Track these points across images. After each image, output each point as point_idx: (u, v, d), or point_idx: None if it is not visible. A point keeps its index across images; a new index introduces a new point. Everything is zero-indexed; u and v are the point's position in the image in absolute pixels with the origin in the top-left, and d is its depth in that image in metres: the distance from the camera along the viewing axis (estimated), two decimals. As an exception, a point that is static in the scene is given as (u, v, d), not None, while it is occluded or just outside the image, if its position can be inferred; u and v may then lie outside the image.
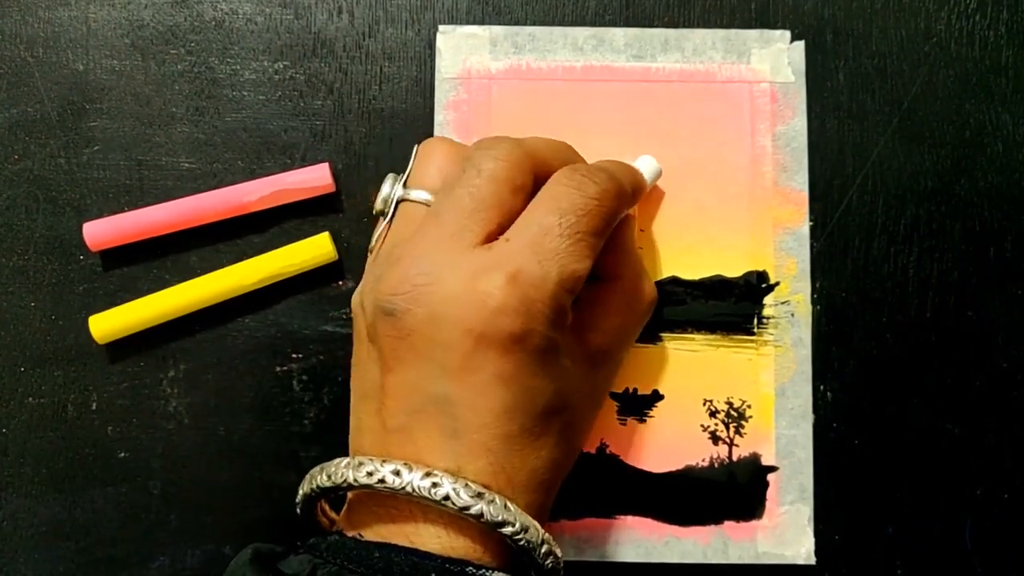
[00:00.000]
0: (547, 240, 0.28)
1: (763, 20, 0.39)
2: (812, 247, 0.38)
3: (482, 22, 0.39)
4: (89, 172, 0.38)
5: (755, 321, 0.37)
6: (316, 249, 0.37)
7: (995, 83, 0.38)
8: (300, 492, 0.30)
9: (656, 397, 0.37)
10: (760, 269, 0.38)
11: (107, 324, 0.37)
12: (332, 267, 0.38)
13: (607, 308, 0.33)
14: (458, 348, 0.27)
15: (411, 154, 0.33)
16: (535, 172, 0.30)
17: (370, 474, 0.27)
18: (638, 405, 0.37)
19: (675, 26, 0.39)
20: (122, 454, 0.37)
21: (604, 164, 0.32)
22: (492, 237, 0.29)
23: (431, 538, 0.27)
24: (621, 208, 0.31)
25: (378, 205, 0.32)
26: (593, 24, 0.39)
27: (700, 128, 0.38)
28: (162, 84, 0.39)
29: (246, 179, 0.38)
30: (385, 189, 0.32)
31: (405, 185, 0.32)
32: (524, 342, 0.27)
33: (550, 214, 0.28)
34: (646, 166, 0.36)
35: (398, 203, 0.32)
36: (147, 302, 0.37)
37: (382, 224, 0.32)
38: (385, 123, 0.39)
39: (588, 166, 0.31)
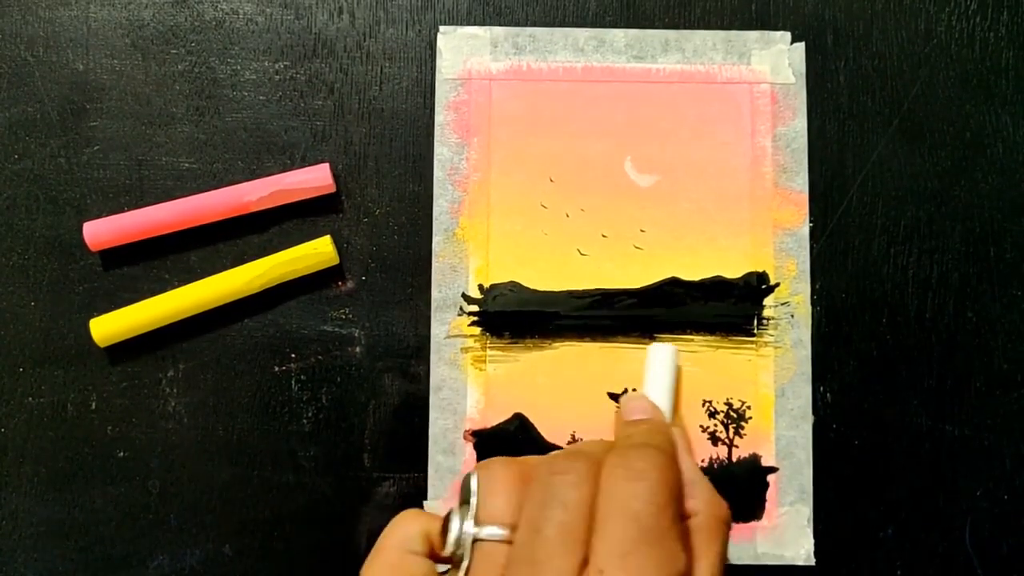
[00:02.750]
0: (638, 556, 0.26)
1: (763, 21, 0.39)
2: (812, 248, 0.38)
3: (483, 23, 0.39)
4: (89, 172, 0.38)
5: (755, 322, 0.37)
6: (318, 253, 0.37)
7: (995, 84, 0.38)
8: None
9: (656, 398, 0.37)
10: (760, 270, 0.38)
11: (108, 327, 0.37)
12: (332, 268, 0.38)
13: (693, 552, 0.29)
14: None
15: (465, 474, 0.29)
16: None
17: None
18: (638, 406, 0.37)
19: (675, 27, 0.39)
20: (121, 454, 0.37)
21: (643, 436, 0.31)
22: (584, 565, 0.27)
23: None
24: (679, 478, 0.29)
25: (449, 548, 0.28)
26: (594, 25, 0.39)
27: (700, 129, 0.38)
28: (162, 84, 0.39)
29: (246, 179, 0.38)
30: (454, 529, 0.28)
31: (477, 522, 0.28)
32: None
33: (628, 524, 0.27)
34: (662, 357, 0.35)
35: (473, 543, 0.28)
36: (148, 305, 0.37)
37: (457, 572, 0.28)
38: (386, 123, 0.39)
39: (634, 447, 0.30)
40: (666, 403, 0.34)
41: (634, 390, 0.37)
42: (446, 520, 0.28)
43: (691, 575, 0.28)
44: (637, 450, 0.29)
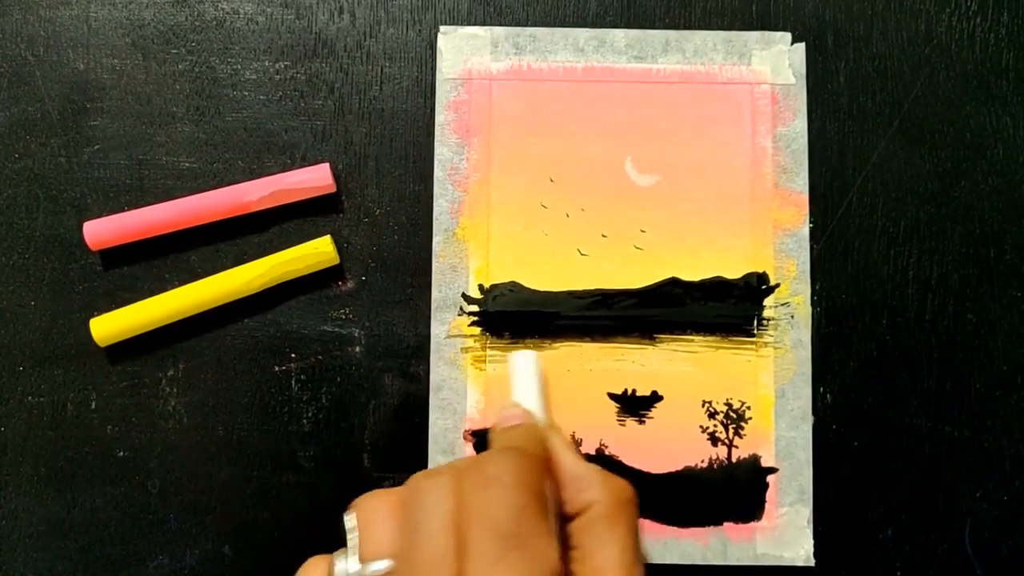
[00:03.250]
0: (507, 563, 0.26)
1: (764, 22, 0.39)
2: (812, 249, 0.38)
3: (483, 23, 0.39)
4: (89, 171, 0.38)
5: (755, 323, 0.37)
6: (318, 253, 0.37)
7: (995, 85, 0.38)
8: None
9: (655, 398, 0.37)
10: (760, 271, 0.38)
11: (108, 327, 0.37)
12: (332, 268, 0.38)
13: (598, 541, 0.29)
14: None
15: (342, 519, 0.29)
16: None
17: None
18: (637, 406, 0.37)
19: (676, 27, 0.39)
20: (121, 453, 0.37)
21: (501, 442, 0.31)
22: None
23: None
24: (542, 475, 0.29)
25: None
26: (594, 25, 0.39)
27: (700, 129, 0.38)
28: (163, 84, 0.39)
29: (246, 179, 0.38)
30: (338, 571, 0.28)
31: (361, 559, 0.28)
32: None
33: (490, 532, 0.26)
34: (524, 364, 0.34)
35: None
36: (148, 305, 0.37)
37: None
38: (386, 123, 0.39)
39: (487, 454, 0.29)
40: (536, 406, 0.33)
41: (634, 391, 0.37)
42: (331, 563, 0.28)
43: (594, 565, 0.28)
44: (491, 456, 0.29)
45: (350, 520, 0.29)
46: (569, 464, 0.30)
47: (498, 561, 0.26)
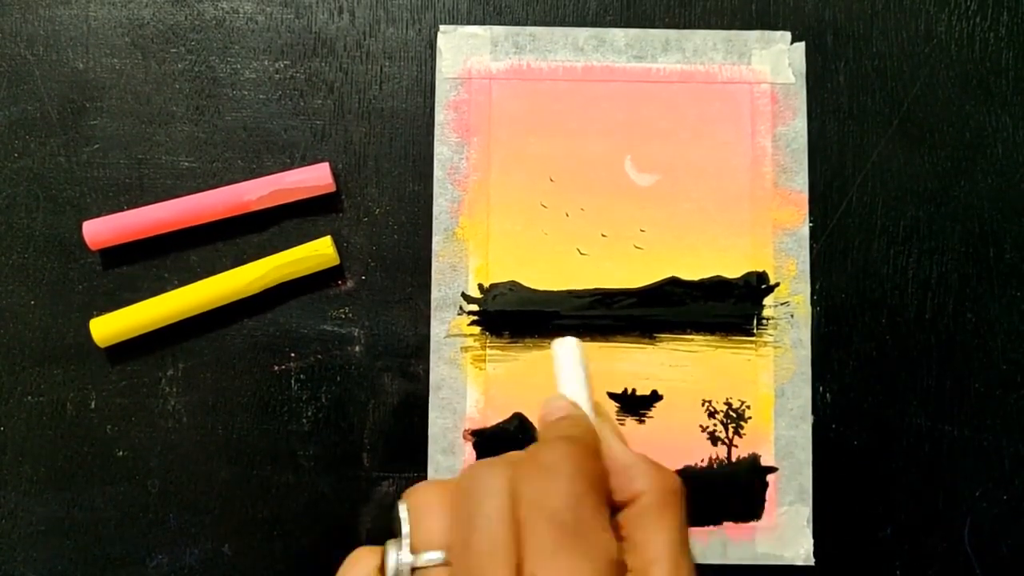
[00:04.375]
0: (565, 553, 0.26)
1: (764, 21, 0.39)
2: (812, 248, 0.38)
3: (483, 22, 0.39)
4: (89, 171, 0.38)
5: (755, 322, 0.37)
6: (318, 254, 0.37)
7: (995, 85, 0.38)
8: None
9: (655, 398, 0.37)
10: (760, 270, 0.38)
11: (108, 328, 0.37)
12: (332, 268, 0.38)
13: (647, 532, 0.29)
14: None
15: (395, 504, 0.29)
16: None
17: None
18: (637, 405, 0.37)
19: (676, 27, 0.39)
20: (121, 453, 0.37)
21: (554, 432, 0.31)
22: (519, 571, 0.26)
23: None
24: (596, 465, 0.29)
25: None
26: (594, 24, 0.39)
27: (700, 128, 0.38)
28: (162, 83, 0.39)
29: (246, 178, 0.38)
30: (391, 561, 0.27)
31: (412, 550, 0.28)
32: None
33: (549, 523, 0.26)
34: (567, 351, 0.33)
35: (413, 572, 0.28)
36: (148, 306, 0.37)
37: None
38: (386, 123, 0.39)
39: (543, 444, 0.29)
40: (582, 396, 0.33)
41: (634, 391, 0.37)
42: (384, 554, 0.28)
43: (644, 556, 0.28)
44: (546, 446, 0.29)
45: (403, 510, 0.28)
46: (618, 453, 0.30)
47: (557, 551, 0.26)
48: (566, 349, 0.33)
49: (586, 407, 0.33)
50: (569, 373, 0.33)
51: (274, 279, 0.37)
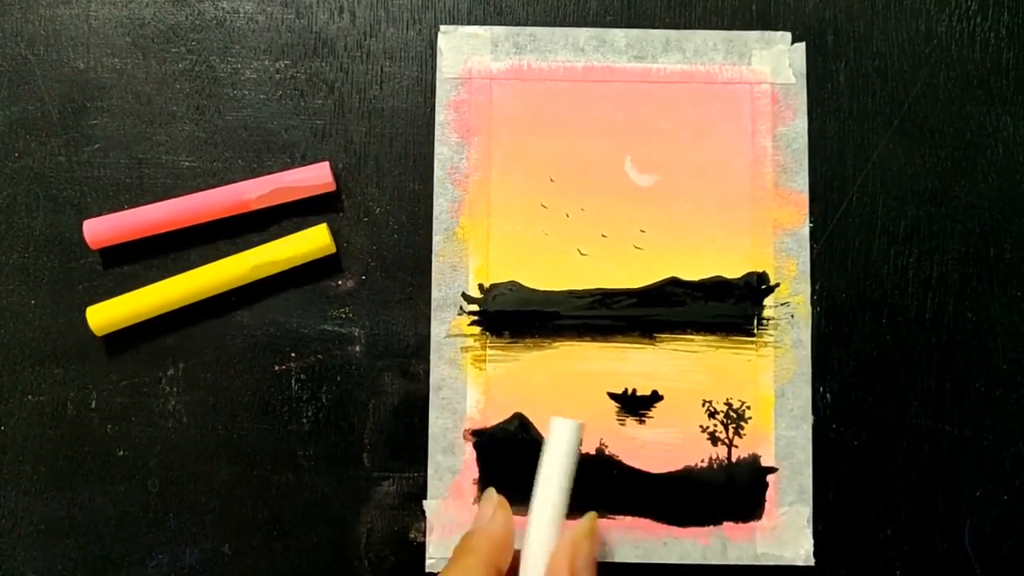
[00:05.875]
0: None
1: (764, 21, 0.39)
2: (812, 248, 0.38)
3: (483, 22, 0.39)
4: (89, 170, 0.38)
5: (755, 322, 0.37)
6: (314, 240, 0.37)
7: (996, 85, 0.38)
8: None
9: (655, 398, 0.37)
10: (760, 270, 0.38)
11: (104, 315, 0.37)
12: (331, 265, 0.38)
13: None
14: None
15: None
16: None
17: None
18: (637, 406, 0.37)
19: (676, 27, 0.39)
20: (121, 452, 0.37)
21: (465, 542, 0.33)
22: None
23: None
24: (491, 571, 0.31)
25: None
26: (594, 25, 0.39)
27: (701, 129, 0.38)
28: (163, 83, 0.39)
29: (246, 178, 0.38)
30: None
31: None
32: None
33: None
34: (564, 436, 0.32)
35: None
36: (144, 293, 0.37)
37: None
38: (386, 122, 0.39)
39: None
40: (556, 489, 0.32)
41: (634, 391, 0.37)
42: None
43: None
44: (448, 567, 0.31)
45: None
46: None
47: None
48: (566, 432, 0.32)
49: (558, 499, 0.32)
50: (556, 458, 0.32)
51: (271, 264, 0.37)
